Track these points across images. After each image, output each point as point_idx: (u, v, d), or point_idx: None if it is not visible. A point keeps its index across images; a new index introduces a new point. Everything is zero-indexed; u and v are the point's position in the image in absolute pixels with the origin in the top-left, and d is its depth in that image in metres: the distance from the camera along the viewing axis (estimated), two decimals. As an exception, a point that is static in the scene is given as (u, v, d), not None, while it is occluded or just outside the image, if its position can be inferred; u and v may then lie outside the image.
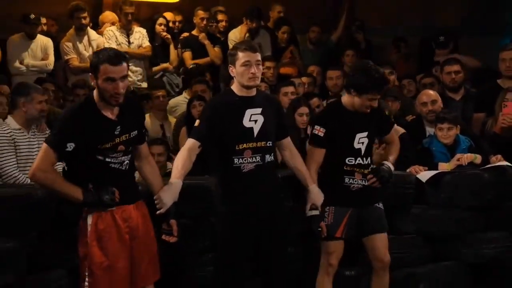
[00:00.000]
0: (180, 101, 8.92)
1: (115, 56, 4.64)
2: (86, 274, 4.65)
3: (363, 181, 5.51)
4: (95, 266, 4.63)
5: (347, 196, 5.50)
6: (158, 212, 4.89)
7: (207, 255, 5.68)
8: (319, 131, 5.45)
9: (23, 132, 6.03)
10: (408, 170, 6.40)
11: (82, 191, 4.59)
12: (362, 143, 5.49)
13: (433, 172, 6.28)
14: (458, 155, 6.45)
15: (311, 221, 5.36)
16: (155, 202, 4.90)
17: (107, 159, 4.67)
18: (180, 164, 5.02)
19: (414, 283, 6.24)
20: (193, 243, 5.63)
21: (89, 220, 4.66)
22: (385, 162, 5.66)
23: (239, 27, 10.27)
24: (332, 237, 5.49)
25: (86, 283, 4.66)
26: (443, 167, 6.43)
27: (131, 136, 4.78)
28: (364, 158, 5.51)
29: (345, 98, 5.54)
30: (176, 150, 7.21)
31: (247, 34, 10.07)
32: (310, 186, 5.36)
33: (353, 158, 5.47)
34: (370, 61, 5.61)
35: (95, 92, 4.68)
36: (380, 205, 5.64)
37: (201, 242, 5.68)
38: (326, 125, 5.45)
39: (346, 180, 5.49)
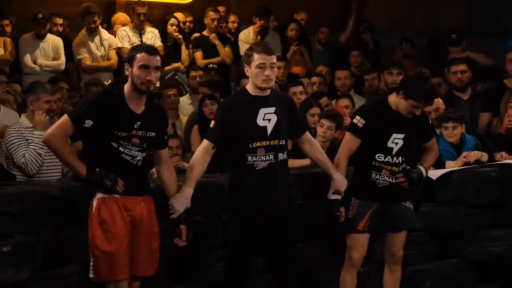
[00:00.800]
0: (184, 102, 9.07)
1: (152, 48, 5.05)
2: (91, 255, 4.82)
3: (390, 178, 5.57)
4: (97, 249, 4.78)
5: (372, 191, 5.59)
6: (171, 217, 5.08)
7: (218, 251, 5.73)
8: (359, 121, 5.56)
9: (33, 131, 6.06)
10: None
11: (87, 169, 4.79)
12: (396, 143, 5.56)
13: (443, 171, 6.33)
14: (465, 153, 6.52)
15: (332, 205, 5.47)
16: (169, 207, 5.09)
17: (121, 148, 4.84)
18: (193, 170, 5.18)
19: (422, 280, 6.29)
20: (205, 240, 5.70)
21: (94, 204, 4.83)
22: (419, 166, 5.74)
23: (249, 27, 10.37)
24: (354, 229, 5.58)
25: (91, 264, 4.82)
26: (450, 165, 6.48)
27: (148, 135, 4.93)
28: (395, 157, 5.57)
29: (392, 98, 5.63)
30: (187, 148, 7.35)
31: (258, 35, 10.17)
32: (334, 174, 5.48)
33: (382, 155, 5.56)
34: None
35: (126, 85, 4.92)
36: (408, 204, 5.71)
37: (213, 239, 5.74)
38: (367, 118, 5.56)
39: (373, 175, 5.58)
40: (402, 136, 5.56)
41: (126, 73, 4.91)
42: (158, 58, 4.94)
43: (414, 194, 6.00)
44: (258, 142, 5.14)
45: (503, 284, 6.50)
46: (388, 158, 5.56)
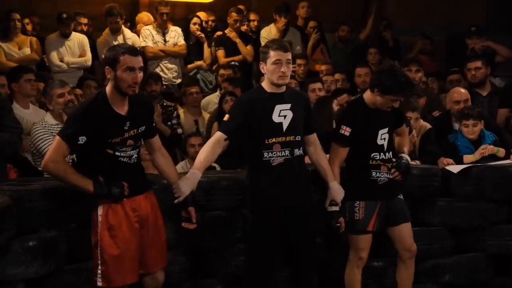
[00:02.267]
0: (212, 99, 9.13)
1: (133, 48, 4.92)
2: (99, 262, 4.81)
3: (388, 174, 5.60)
4: (107, 254, 4.78)
5: (375, 190, 5.59)
6: (176, 200, 5.02)
7: (238, 246, 5.80)
8: (345, 130, 5.52)
9: (60, 127, 5.97)
10: (439, 163, 6.48)
11: (93, 183, 4.74)
12: (384, 139, 5.58)
13: (463, 166, 6.36)
14: (483, 146, 6.57)
15: (331, 217, 5.46)
16: (173, 191, 5.04)
17: (117, 153, 4.82)
18: (203, 156, 5.17)
19: (440, 274, 6.31)
20: (226, 234, 5.77)
21: (100, 211, 4.81)
22: (402, 154, 5.75)
23: (271, 24, 10.45)
24: (364, 231, 5.58)
25: (99, 271, 4.82)
26: (468, 159, 6.54)
27: (140, 131, 4.93)
28: (387, 153, 5.60)
29: (367, 96, 5.63)
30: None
31: (279, 33, 10.24)
32: (331, 183, 5.45)
33: (377, 154, 5.57)
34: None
35: (107, 88, 4.85)
36: (401, 196, 5.75)
37: (233, 234, 5.80)
38: (351, 125, 5.53)
39: (373, 174, 5.58)
40: (386, 130, 5.60)
41: (108, 76, 4.81)
42: (140, 58, 4.84)
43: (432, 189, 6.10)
44: (274, 138, 5.17)
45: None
46: (383, 155, 5.59)
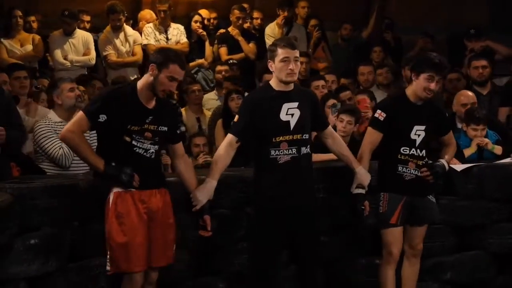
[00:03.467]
0: (209, 98, 9.14)
1: (183, 62, 5.14)
2: (108, 248, 4.91)
3: (416, 171, 5.61)
4: (113, 241, 4.87)
5: (401, 184, 5.62)
6: (193, 209, 5.15)
7: (242, 244, 5.80)
8: (380, 115, 5.62)
9: (64, 125, 5.94)
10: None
11: (105, 163, 4.88)
12: (419, 135, 5.60)
13: (467, 165, 6.37)
14: (478, 138, 6.64)
15: (356, 199, 5.51)
16: (191, 199, 5.15)
17: (133, 142, 4.92)
18: (218, 163, 5.25)
19: (442, 272, 6.33)
20: (230, 232, 5.77)
21: (111, 198, 4.91)
22: (441, 159, 5.76)
23: (275, 21, 10.45)
24: (388, 224, 5.62)
25: (108, 256, 4.91)
26: (468, 152, 6.60)
27: (160, 129, 5.02)
28: (419, 150, 5.61)
29: (409, 89, 5.69)
30: (211, 142, 7.43)
31: (283, 28, 10.26)
32: (357, 168, 5.52)
33: (407, 148, 5.59)
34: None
35: (140, 82, 5.03)
36: (431, 197, 5.76)
37: (237, 232, 5.80)
38: (387, 111, 5.61)
39: (400, 168, 5.61)
40: (423, 127, 5.60)
41: (150, 73, 4.97)
42: (184, 72, 5.08)
43: (438, 188, 6.07)
44: (281, 137, 5.19)
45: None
46: (413, 151, 5.60)
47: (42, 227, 5.06)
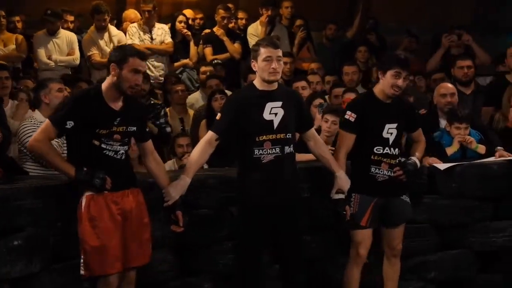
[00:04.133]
0: (195, 97, 9.14)
1: (142, 53, 5.14)
2: (82, 252, 4.88)
3: (389, 172, 5.61)
4: (87, 245, 4.85)
5: (372, 185, 5.61)
6: (165, 204, 5.15)
7: (226, 244, 5.80)
8: (351, 116, 5.60)
9: None
10: (424, 162, 6.43)
11: (76, 169, 4.84)
12: (391, 133, 5.61)
13: (450, 164, 6.38)
14: (458, 136, 6.65)
15: (337, 204, 5.51)
16: (163, 195, 5.16)
17: (103, 145, 4.90)
18: (193, 160, 5.28)
19: (425, 271, 6.36)
20: (214, 232, 5.77)
21: (83, 202, 4.88)
22: (412, 157, 5.78)
23: (257, 21, 10.47)
24: (358, 225, 5.61)
25: (82, 260, 4.89)
26: (450, 150, 6.62)
27: (129, 130, 5.02)
28: (392, 148, 5.62)
29: (376, 88, 5.70)
30: (194, 143, 7.43)
31: (266, 27, 10.27)
32: (337, 172, 5.51)
33: (381, 148, 5.59)
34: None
35: (104, 84, 4.98)
36: (405, 197, 5.75)
37: (221, 231, 5.80)
38: (357, 111, 5.60)
39: (372, 169, 5.61)
40: (395, 125, 5.62)
41: (112, 73, 4.93)
42: (145, 63, 5.07)
43: (418, 187, 6.13)
44: (265, 136, 5.21)
45: (506, 274, 6.56)
46: (387, 150, 5.60)
47: (26, 228, 5.03)
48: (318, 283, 6.05)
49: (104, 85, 4.98)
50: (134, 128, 5.07)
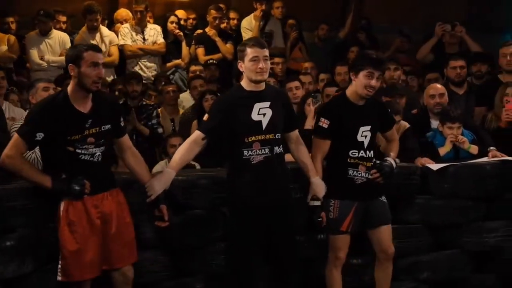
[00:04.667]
0: (186, 97, 9.11)
1: (96, 45, 5.08)
2: (60, 257, 4.86)
3: (367, 174, 5.58)
4: (65, 249, 4.82)
5: (352, 189, 5.57)
6: (148, 199, 5.08)
7: (219, 244, 5.79)
8: (324, 122, 5.54)
9: None
10: (417, 162, 6.48)
11: (52, 179, 4.78)
12: (365, 136, 5.56)
13: (443, 164, 6.38)
14: (450, 136, 6.66)
15: (313, 211, 5.47)
16: (146, 189, 5.09)
17: (78, 150, 4.85)
18: (178, 155, 5.24)
19: (418, 271, 6.35)
20: (206, 233, 5.76)
21: (61, 206, 4.84)
22: (387, 158, 5.74)
23: (251, 14, 10.50)
24: (338, 231, 5.58)
25: (59, 265, 4.87)
26: (443, 150, 6.62)
27: (102, 129, 4.95)
28: (367, 151, 5.58)
29: (349, 90, 5.63)
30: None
31: (260, 22, 10.30)
32: (313, 178, 5.47)
33: (356, 151, 5.55)
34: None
35: (69, 87, 4.90)
36: (383, 198, 5.72)
37: (214, 232, 5.79)
38: (330, 117, 5.54)
39: (350, 172, 5.56)
40: (369, 127, 5.58)
41: (72, 74, 4.85)
42: (102, 55, 4.96)
43: (411, 187, 6.15)
44: (254, 136, 5.20)
45: (499, 274, 6.58)
46: (362, 153, 5.56)
47: (18, 228, 5.02)
48: (311, 284, 6.03)
49: (69, 89, 4.90)
50: (109, 126, 5.00)
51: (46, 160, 5.00)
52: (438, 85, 7.31)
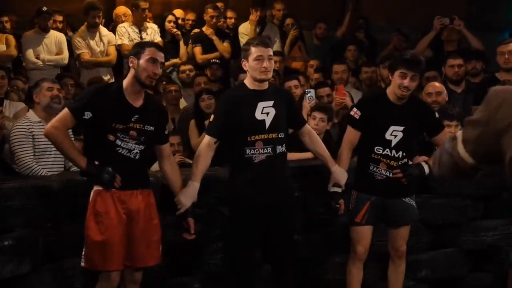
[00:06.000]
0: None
1: (159, 45, 5.28)
2: (84, 244, 4.89)
3: (388, 172, 5.58)
4: (90, 239, 4.85)
5: (370, 183, 5.61)
6: (177, 212, 5.14)
7: (217, 244, 5.81)
8: (355, 113, 5.63)
9: (42, 125, 5.97)
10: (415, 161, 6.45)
11: (87, 162, 4.87)
12: (395, 136, 5.56)
13: (441, 163, 6.39)
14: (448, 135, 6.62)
15: (332, 197, 5.53)
16: (176, 203, 5.14)
17: (117, 141, 4.89)
18: (198, 166, 5.25)
19: (417, 270, 6.36)
20: (205, 232, 5.74)
21: (91, 196, 4.90)
22: (422, 162, 5.68)
23: (248, 20, 10.47)
24: (353, 222, 5.64)
25: (83, 252, 4.89)
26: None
27: (146, 128, 5.00)
28: (394, 151, 5.57)
29: (389, 88, 5.67)
30: (183, 142, 7.39)
31: (256, 27, 10.28)
32: (333, 168, 5.53)
33: (381, 148, 5.57)
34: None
35: (125, 79, 5.01)
36: (408, 199, 5.69)
37: (212, 231, 5.81)
38: (363, 109, 5.62)
39: (371, 167, 5.59)
40: (401, 128, 5.56)
41: (131, 65, 4.99)
42: (163, 54, 5.09)
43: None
44: (257, 136, 5.19)
45: (497, 272, 6.56)
46: (387, 151, 5.57)
47: (16, 228, 5.02)
48: (310, 284, 6.03)
49: (125, 81, 5.01)
50: (152, 128, 5.05)
51: (85, 147, 5.15)
52: (437, 83, 7.32)
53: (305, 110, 6.88)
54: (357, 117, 5.62)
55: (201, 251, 5.81)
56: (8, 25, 9.67)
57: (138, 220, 4.99)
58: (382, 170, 5.59)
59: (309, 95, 7.02)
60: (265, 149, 5.21)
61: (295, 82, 7.77)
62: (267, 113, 5.24)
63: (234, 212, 5.37)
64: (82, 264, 4.92)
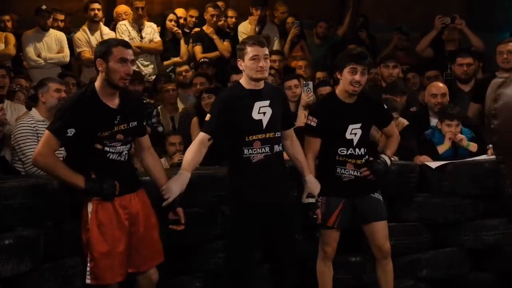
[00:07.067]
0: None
1: (126, 41, 5.00)
2: (88, 259, 4.78)
3: (356, 171, 5.59)
4: (95, 251, 4.75)
5: (339, 186, 5.60)
6: (165, 202, 5.01)
7: (218, 243, 5.81)
8: (312, 121, 5.61)
9: (46, 124, 5.86)
10: (416, 160, 6.50)
11: (85, 179, 4.72)
12: (355, 134, 5.57)
13: (442, 162, 6.40)
14: (449, 134, 6.65)
15: (308, 209, 5.50)
16: (162, 192, 5.02)
17: (106, 148, 4.79)
18: (190, 157, 5.19)
19: (417, 269, 6.36)
20: (205, 231, 5.76)
21: (90, 207, 4.78)
22: (382, 155, 5.74)
23: (248, 19, 10.50)
24: (325, 226, 5.61)
25: (88, 268, 4.79)
26: (442, 148, 6.62)
27: (130, 126, 4.91)
28: (357, 149, 5.59)
29: (338, 88, 5.68)
30: (184, 141, 7.41)
31: (256, 26, 10.28)
32: (307, 176, 5.51)
33: (345, 149, 5.56)
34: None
35: (97, 82, 4.84)
36: (376, 195, 5.70)
37: (212, 231, 5.80)
38: (318, 116, 5.59)
39: (338, 170, 5.58)
40: (359, 125, 5.58)
41: (100, 68, 4.79)
42: (132, 51, 4.91)
43: (409, 185, 6.18)
44: (254, 135, 5.20)
45: (497, 271, 6.58)
46: (351, 151, 5.57)
47: (16, 227, 5.00)
48: (309, 283, 6.02)
49: (97, 84, 4.83)
50: (135, 123, 4.96)
51: (72, 162, 4.83)
52: (441, 84, 7.30)
53: (303, 102, 6.92)
54: (314, 125, 5.61)
55: (202, 250, 5.80)
56: (9, 24, 9.67)
57: (139, 222, 4.95)
58: (350, 170, 5.60)
59: (307, 87, 7.02)
60: (263, 148, 5.22)
61: (295, 81, 7.76)
62: (264, 113, 5.25)
63: (234, 211, 5.38)
64: (88, 281, 4.80)
